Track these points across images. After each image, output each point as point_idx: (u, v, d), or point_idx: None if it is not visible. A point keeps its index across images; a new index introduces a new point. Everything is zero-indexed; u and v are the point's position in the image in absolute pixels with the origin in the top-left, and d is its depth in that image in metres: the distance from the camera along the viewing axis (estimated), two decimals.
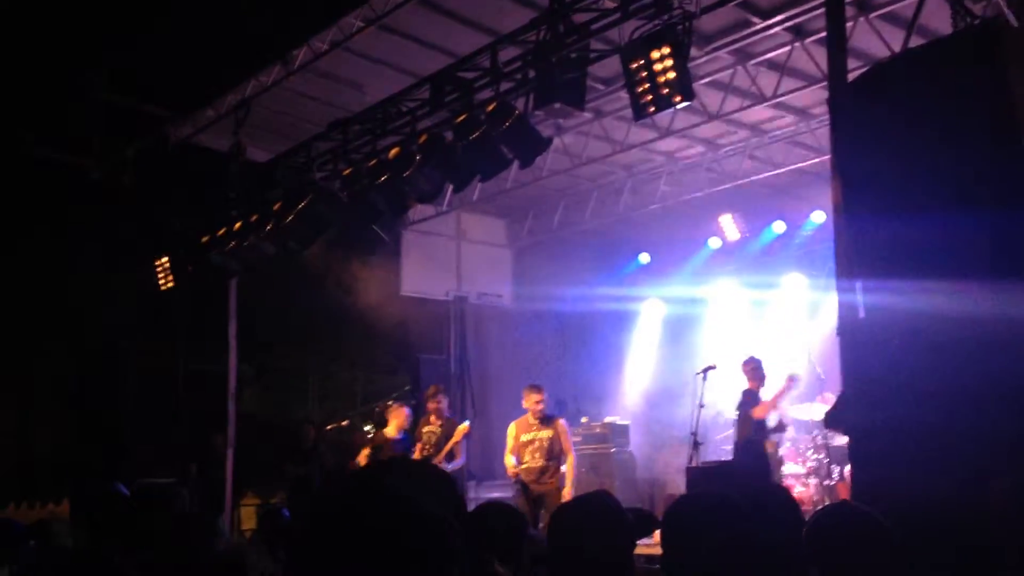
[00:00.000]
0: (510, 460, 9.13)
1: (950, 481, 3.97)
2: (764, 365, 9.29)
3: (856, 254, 4.79)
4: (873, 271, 4.62)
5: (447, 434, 9.74)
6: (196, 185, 10.72)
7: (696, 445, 8.38)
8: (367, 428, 14.44)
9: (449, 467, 9.70)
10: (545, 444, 8.93)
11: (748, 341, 12.33)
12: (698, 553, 2.48)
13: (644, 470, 12.10)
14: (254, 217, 9.92)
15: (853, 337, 4.81)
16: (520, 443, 9.02)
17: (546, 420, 9.07)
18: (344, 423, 13.00)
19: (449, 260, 13.59)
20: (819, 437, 10.08)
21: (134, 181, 10.88)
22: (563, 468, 8.92)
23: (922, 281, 4.19)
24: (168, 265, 10.97)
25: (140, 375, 11.86)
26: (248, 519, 11.15)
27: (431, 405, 9.99)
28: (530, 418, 9.10)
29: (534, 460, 8.94)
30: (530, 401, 9.04)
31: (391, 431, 9.76)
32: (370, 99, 9.35)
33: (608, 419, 12.34)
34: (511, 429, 9.23)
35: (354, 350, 14.79)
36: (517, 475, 8.96)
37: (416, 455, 9.93)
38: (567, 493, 8.74)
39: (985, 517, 3.88)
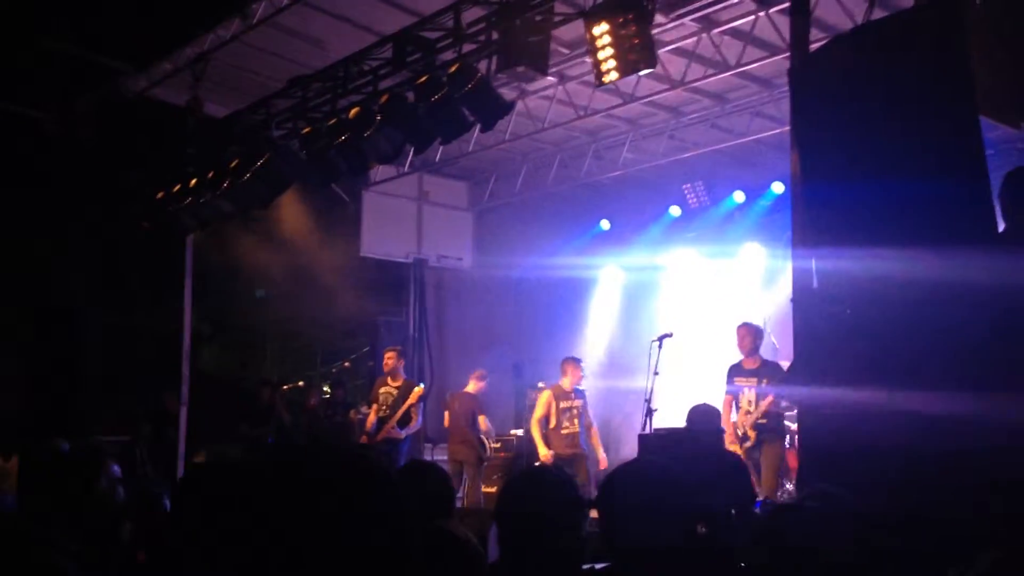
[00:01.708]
0: (538, 433, 9.92)
1: (897, 448, 4.04)
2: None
3: (812, 222, 4.83)
4: (828, 239, 4.66)
5: (403, 396, 9.78)
6: (152, 140, 10.51)
7: (650, 412, 8.44)
8: (325, 389, 14.40)
9: (404, 432, 9.75)
10: (579, 412, 9.97)
11: (705, 310, 12.43)
12: (630, 519, 2.51)
13: (600, 436, 12.17)
14: (211, 174, 9.78)
15: (807, 305, 4.86)
16: (559, 409, 9.91)
17: (578, 392, 10.06)
18: (300, 384, 12.98)
19: (410, 222, 13.51)
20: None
21: (88, 134, 10.64)
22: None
23: (876, 249, 4.24)
24: (123, 221, 10.82)
25: (96, 332, 11.69)
26: None
27: (387, 366, 10.03)
28: (566, 387, 9.99)
29: (573, 426, 9.91)
30: (577, 374, 10.07)
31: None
32: (331, 57, 9.21)
33: None
34: (546, 397, 10.07)
35: (313, 311, 14.68)
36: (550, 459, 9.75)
37: (372, 416, 9.96)
38: (603, 459, 9.98)
39: (936, 486, 3.94)
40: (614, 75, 7.10)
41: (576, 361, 10.20)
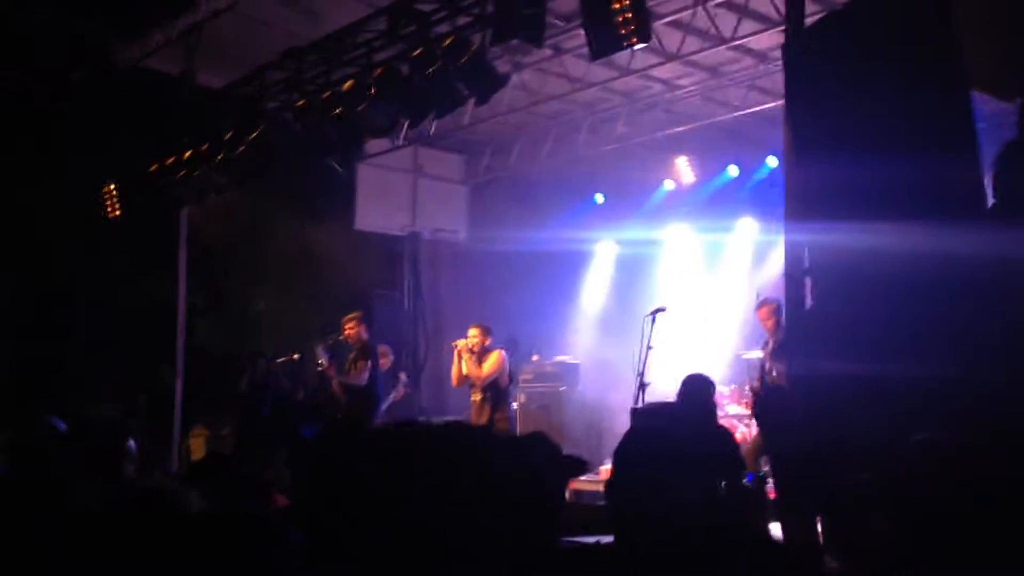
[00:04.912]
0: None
1: (882, 424, 4.07)
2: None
3: (803, 198, 4.85)
4: (820, 215, 4.68)
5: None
6: (145, 111, 10.44)
7: (643, 386, 8.46)
8: (320, 361, 14.41)
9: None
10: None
11: (699, 284, 12.47)
12: (641, 485, 2.51)
13: (593, 409, 12.22)
14: (205, 146, 9.75)
15: (799, 281, 4.88)
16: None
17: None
18: (295, 356, 12.98)
19: (404, 195, 13.49)
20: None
21: (80, 105, 10.58)
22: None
23: (867, 223, 4.26)
24: (115, 193, 10.79)
25: (89, 305, 11.68)
26: (198, 450, 11.14)
27: (351, 337, 10.30)
28: None
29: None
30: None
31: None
32: (326, 28, 9.14)
33: (559, 358, 12.43)
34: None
35: (307, 284, 14.68)
36: None
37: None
38: None
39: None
40: (608, 48, 7.07)
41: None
